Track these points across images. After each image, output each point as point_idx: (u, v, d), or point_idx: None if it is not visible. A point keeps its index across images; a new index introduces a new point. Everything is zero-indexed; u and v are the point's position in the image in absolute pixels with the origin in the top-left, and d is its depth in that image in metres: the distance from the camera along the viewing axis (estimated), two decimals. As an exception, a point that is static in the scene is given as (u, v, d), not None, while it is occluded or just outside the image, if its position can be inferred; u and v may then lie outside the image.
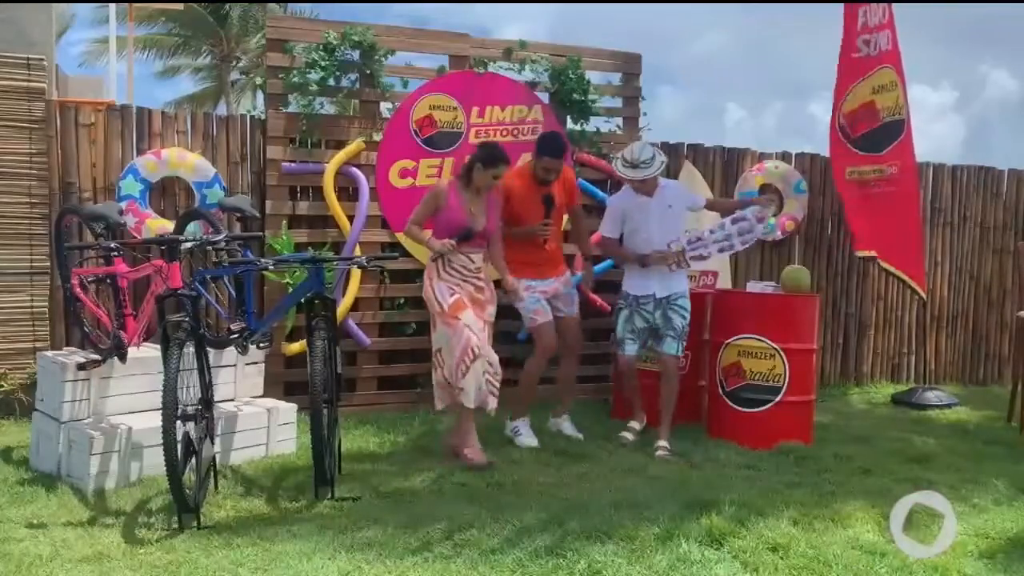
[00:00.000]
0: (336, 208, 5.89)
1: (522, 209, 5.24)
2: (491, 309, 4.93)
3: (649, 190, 5.32)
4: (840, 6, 7.17)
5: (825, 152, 7.64)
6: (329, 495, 4.07)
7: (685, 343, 5.34)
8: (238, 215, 5.32)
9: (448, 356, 4.74)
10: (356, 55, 6.04)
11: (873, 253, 7.16)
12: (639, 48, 7.05)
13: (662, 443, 5.12)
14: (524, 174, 5.37)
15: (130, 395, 4.55)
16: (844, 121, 7.11)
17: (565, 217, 5.65)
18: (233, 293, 4.95)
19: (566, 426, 5.48)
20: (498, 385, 4.83)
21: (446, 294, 4.78)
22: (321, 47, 5.91)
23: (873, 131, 7.01)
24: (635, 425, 5.38)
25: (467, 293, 4.82)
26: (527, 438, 5.19)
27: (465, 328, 4.69)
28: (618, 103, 6.79)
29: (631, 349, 5.34)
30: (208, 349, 4.17)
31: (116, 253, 4.52)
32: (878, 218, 7.01)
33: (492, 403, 4.80)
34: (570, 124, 6.57)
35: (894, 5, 6.87)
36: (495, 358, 4.83)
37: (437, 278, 4.82)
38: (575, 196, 5.61)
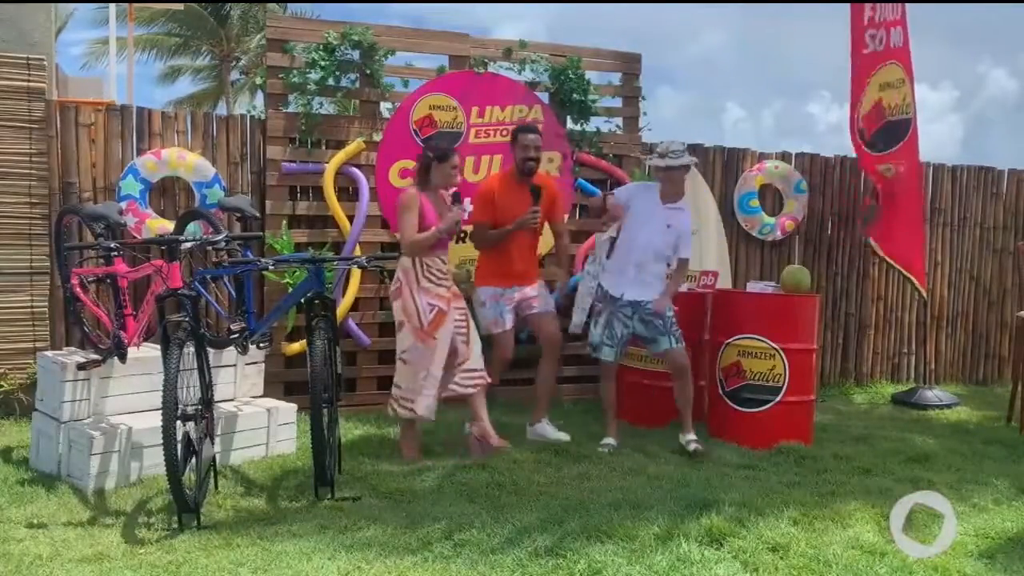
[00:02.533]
0: (336, 208, 5.89)
1: (508, 203, 5.17)
2: (459, 303, 4.91)
3: (670, 192, 5.17)
4: (842, 5, 7.18)
5: (824, 151, 7.68)
6: (329, 495, 4.07)
7: (679, 333, 5.14)
8: (238, 215, 5.33)
9: (412, 365, 4.74)
10: (356, 55, 6.05)
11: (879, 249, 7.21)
12: (636, 48, 7.05)
13: (690, 436, 5.09)
14: (505, 175, 5.38)
15: (130, 395, 4.55)
16: (863, 125, 7.10)
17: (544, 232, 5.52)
18: (233, 293, 4.95)
19: (548, 430, 5.32)
20: (473, 377, 4.91)
21: (427, 309, 4.70)
22: (321, 47, 5.91)
23: (879, 130, 7.01)
24: (610, 441, 5.16)
25: (444, 299, 4.76)
26: (553, 433, 5.27)
27: (436, 351, 4.71)
28: (618, 103, 6.80)
29: (609, 355, 5.20)
30: (208, 349, 4.17)
31: (116, 253, 4.52)
32: (884, 215, 7.03)
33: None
34: (570, 124, 6.58)
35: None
36: (477, 362, 4.91)
37: (417, 286, 4.71)
38: (559, 211, 5.46)
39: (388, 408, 4.91)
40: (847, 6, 7.17)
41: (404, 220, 4.71)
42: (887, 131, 6.98)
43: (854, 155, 7.37)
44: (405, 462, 4.72)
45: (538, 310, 5.30)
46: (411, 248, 4.72)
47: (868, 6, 6.99)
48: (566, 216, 5.70)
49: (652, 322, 5.11)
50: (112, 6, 12.45)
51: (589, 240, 6.39)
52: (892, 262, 7.17)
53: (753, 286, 5.98)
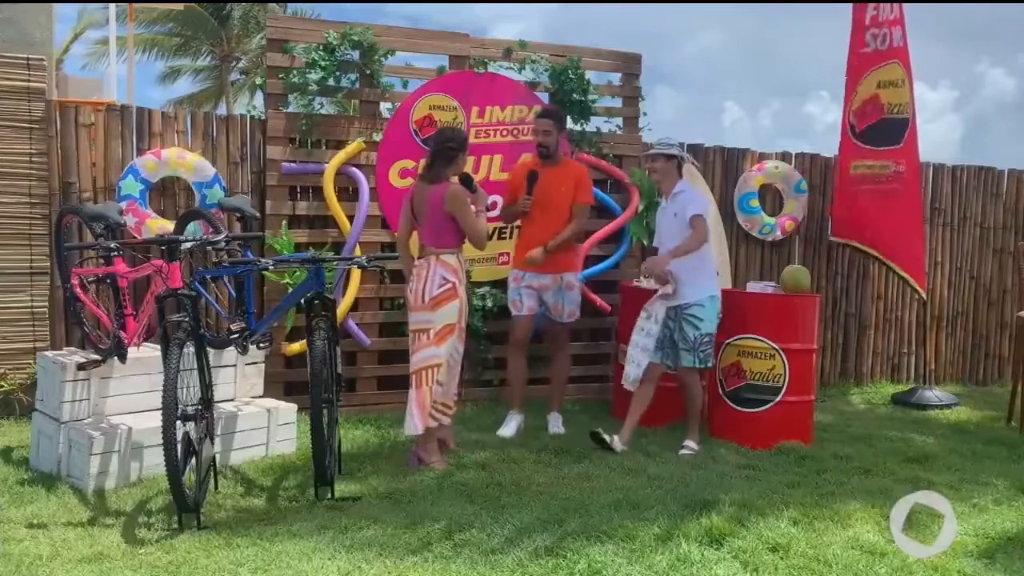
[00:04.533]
0: (336, 208, 5.88)
1: (515, 190, 5.51)
2: None
3: (665, 184, 5.31)
4: (843, 5, 7.19)
5: (823, 152, 7.68)
6: (329, 495, 4.08)
7: (705, 353, 5.13)
8: (238, 215, 5.32)
9: (450, 370, 4.71)
10: (356, 55, 6.04)
11: (853, 242, 7.20)
12: (635, 48, 7.05)
13: (687, 442, 5.13)
14: (521, 165, 5.71)
15: (130, 395, 4.56)
16: (853, 119, 7.12)
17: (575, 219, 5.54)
18: (233, 293, 4.95)
19: (551, 422, 5.57)
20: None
21: (463, 309, 4.77)
22: (321, 47, 5.91)
23: (875, 125, 7.01)
24: (618, 444, 5.04)
25: None
26: (503, 428, 5.39)
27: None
28: (618, 103, 6.79)
29: (654, 357, 5.15)
30: (208, 349, 4.17)
31: (116, 253, 4.52)
32: (881, 215, 7.01)
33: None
34: (570, 124, 6.57)
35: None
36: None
37: (460, 285, 4.66)
38: (582, 194, 5.51)
39: (431, 421, 4.60)
40: (846, 6, 7.18)
41: (467, 214, 4.62)
42: (885, 127, 6.98)
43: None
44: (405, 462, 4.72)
45: (553, 318, 5.51)
46: (485, 241, 4.79)
47: (872, 5, 7.00)
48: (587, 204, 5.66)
49: (684, 325, 5.11)
50: (112, 6, 12.43)
51: (589, 241, 6.40)
52: (893, 266, 7.12)
53: (753, 286, 5.98)
